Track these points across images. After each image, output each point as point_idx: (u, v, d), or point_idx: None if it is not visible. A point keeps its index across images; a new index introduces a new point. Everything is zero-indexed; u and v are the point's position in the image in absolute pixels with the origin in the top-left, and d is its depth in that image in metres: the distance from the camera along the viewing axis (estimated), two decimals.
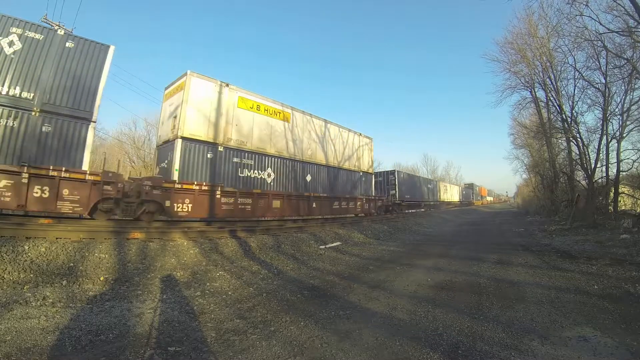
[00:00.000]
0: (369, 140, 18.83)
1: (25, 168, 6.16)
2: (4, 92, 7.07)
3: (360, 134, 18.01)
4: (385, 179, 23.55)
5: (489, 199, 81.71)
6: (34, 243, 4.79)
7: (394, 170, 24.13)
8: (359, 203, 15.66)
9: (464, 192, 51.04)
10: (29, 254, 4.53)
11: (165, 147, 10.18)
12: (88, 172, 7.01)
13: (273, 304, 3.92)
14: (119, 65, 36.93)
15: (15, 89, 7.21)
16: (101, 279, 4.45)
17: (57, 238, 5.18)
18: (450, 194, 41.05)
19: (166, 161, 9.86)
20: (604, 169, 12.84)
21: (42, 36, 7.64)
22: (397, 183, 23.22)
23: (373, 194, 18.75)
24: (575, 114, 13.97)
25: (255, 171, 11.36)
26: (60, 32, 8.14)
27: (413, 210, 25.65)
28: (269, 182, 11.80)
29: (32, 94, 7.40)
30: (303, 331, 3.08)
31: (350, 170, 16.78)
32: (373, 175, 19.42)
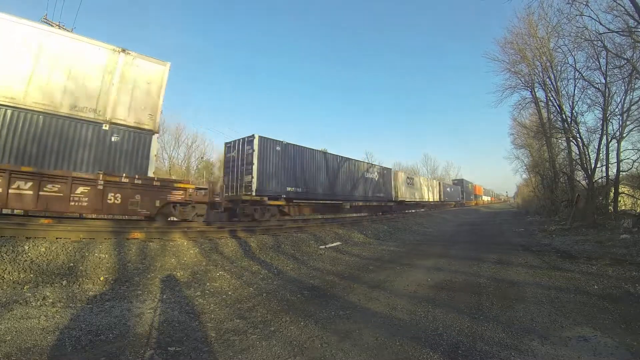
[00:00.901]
0: (147, 64, 9.33)
1: None
2: None
3: (123, 51, 8.88)
4: (241, 153, 12.16)
5: (486, 198, 71.38)
6: (34, 243, 4.79)
7: (253, 137, 11.91)
8: (81, 190, 7.02)
9: (448, 190, 37.72)
10: (29, 254, 4.53)
11: None
12: None
13: (273, 304, 3.92)
14: None
15: None
16: (101, 279, 4.46)
17: (57, 238, 5.18)
18: (423, 190, 29.07)
19: None
20: (604, 169, 12.82)
21: None
22: (255, 161, 11.55)
23: (151, 176, 8.86)
24: (575, 114, 13.97)
25: None
26: None
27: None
28: None
29: None
30: (303, 331, 3.09)
31: (51, 115, 7.62)
32: (155, 137, 9.36)
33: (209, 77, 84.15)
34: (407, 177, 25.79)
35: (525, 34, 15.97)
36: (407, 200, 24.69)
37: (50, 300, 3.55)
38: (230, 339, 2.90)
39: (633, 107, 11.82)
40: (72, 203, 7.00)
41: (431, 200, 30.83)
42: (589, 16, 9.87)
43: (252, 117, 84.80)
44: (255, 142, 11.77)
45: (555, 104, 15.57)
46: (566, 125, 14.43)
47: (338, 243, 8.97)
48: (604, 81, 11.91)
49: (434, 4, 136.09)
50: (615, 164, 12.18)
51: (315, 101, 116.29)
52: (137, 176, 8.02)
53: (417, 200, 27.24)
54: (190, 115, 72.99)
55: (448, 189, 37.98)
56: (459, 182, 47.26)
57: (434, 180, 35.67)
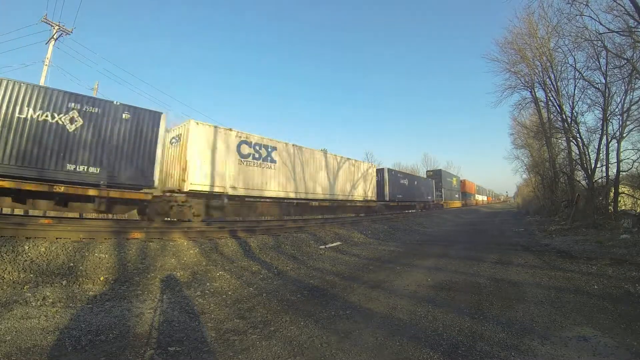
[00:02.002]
0: None
1: None
2: None
3: None
4: None
5: (481, 197, 61.51)
6: (34, 243, 4.79)
7: None
8: None
9: (402, 183, 21.67)
10: (29, 254, 4.53)
11: None
12: None
13: (273, 304, 3.92)
14: None
15: None
16: (101, 279, 4.45)
17: (57, 238, 5.18)
18: (340, 179, 15.33)
19: None
20: (604, 169, 12.82)
21: None
22: None
23: None
24: (575, 114, 13.97)
25: None
26: None
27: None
28: None
29: None
30: (303, 331, 3.08)
31: None
32: None
33: None
34: (243, 141, 10.67)
35: (525, 34, 15.99)
36: (240, 192, 10.45)
37: (50, 300, 3.55)
38: (230, 339, 2.90)
39: (633, 107, 11.82)
40: None
41: (356, 198, 16.59)
42: (589, 16, 9.88)
43: (252, 117, 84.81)
44: None
45: (555, 104, 15.60)
46: (566, 125, 14.43)
47: (338, 243, 8.97)
48: (604, 81, 11.92)
49: (435, 5, 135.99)
50: (615, 164, 12.18)
51: (315, 101, 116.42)
52: None
53: (302, 196, 12.88)
54: None
55: (404, 182, 21.94)
56: (436, 174, 32.52)
57: (363, 163, 17.99)
